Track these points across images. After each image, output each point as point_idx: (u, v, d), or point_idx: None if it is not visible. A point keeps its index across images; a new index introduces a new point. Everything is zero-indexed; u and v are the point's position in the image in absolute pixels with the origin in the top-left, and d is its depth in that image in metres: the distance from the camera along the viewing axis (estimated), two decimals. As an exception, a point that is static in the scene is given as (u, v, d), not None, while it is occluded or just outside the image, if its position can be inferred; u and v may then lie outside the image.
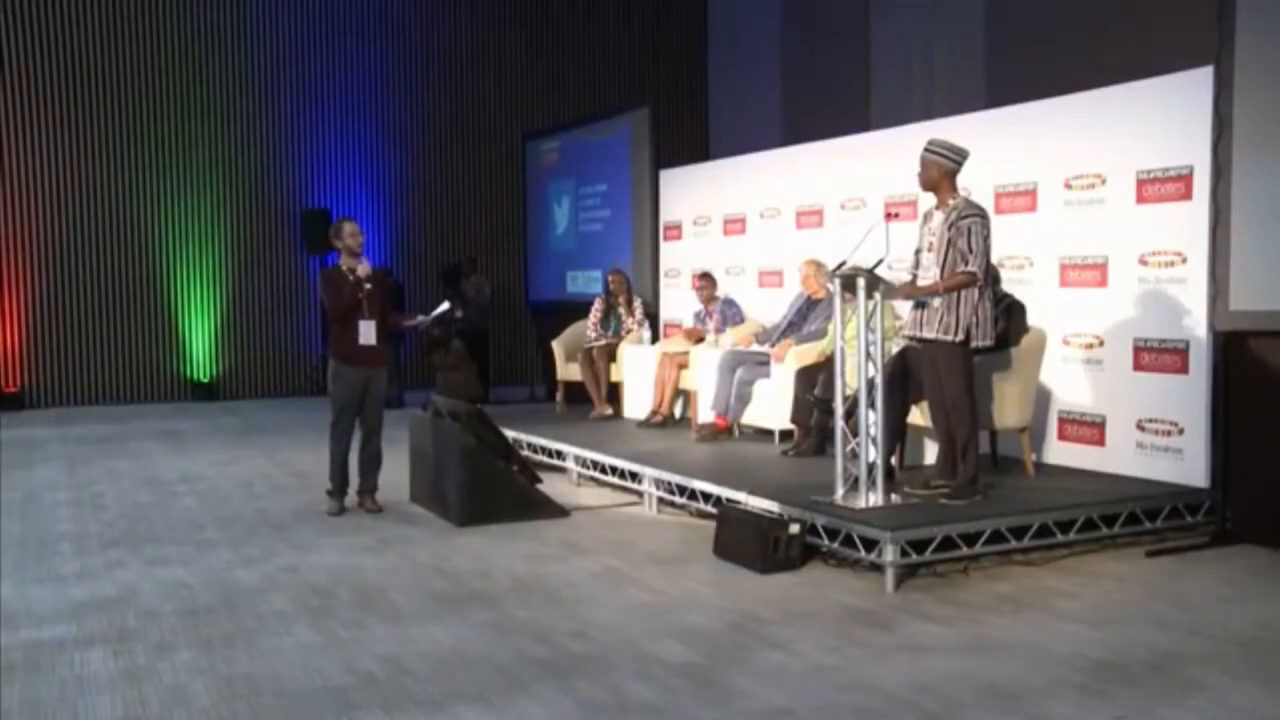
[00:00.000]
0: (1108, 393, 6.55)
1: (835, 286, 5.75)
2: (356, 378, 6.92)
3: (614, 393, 9.54)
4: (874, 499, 5.55)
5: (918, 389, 6.22)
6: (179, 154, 14.03)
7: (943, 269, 5.58)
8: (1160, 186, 6.25)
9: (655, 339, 9.88)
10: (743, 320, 9.03)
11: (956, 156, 5.66)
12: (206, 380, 14.19)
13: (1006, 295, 6.46)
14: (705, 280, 9.18)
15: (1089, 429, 6.65)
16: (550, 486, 7.15)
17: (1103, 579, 5.23)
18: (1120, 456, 6.45)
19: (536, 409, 11.21)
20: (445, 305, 7.74)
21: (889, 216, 6.03)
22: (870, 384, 5.58)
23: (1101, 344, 6.59)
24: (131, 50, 13.81)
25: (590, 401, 9.57)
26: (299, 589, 5.29)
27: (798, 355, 7.62)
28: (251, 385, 14.43)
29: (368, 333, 6.91)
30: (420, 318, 7.72)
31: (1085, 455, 6.64)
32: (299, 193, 14.53)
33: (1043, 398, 6.78)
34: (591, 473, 7.70)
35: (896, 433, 6.35)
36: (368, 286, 6.92)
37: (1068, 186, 6.77)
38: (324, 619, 4.81)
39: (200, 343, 14.21)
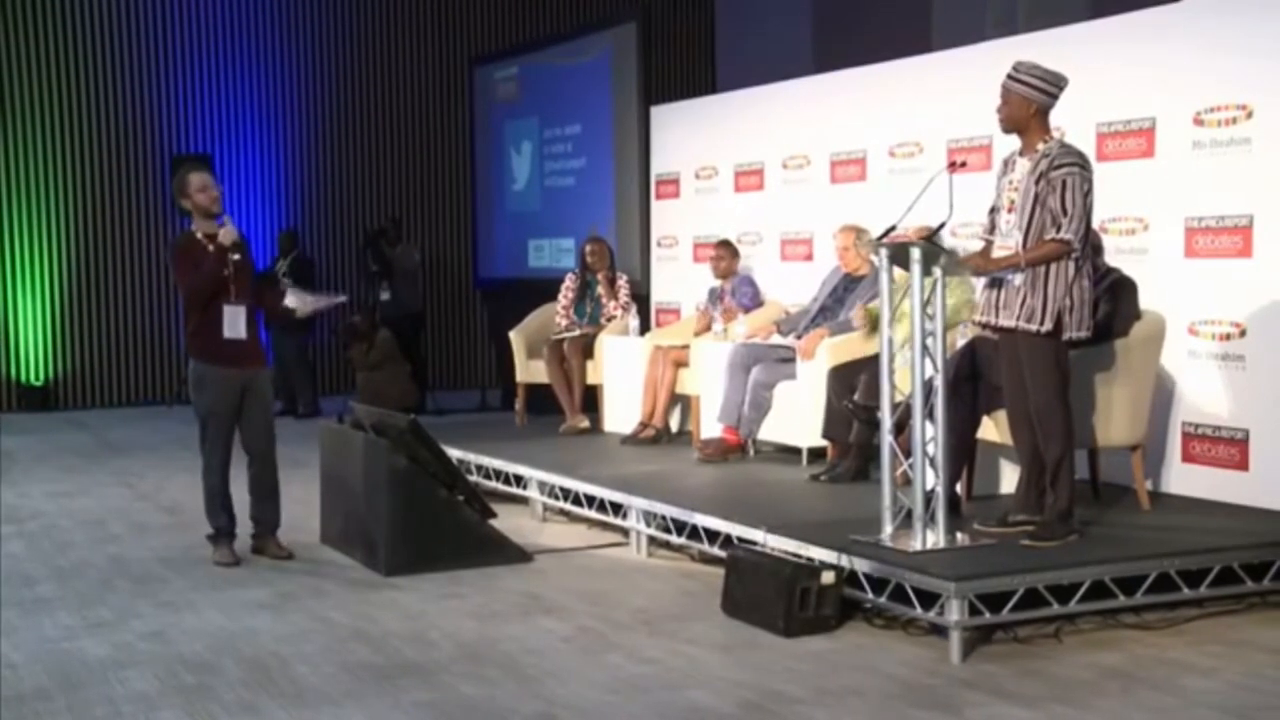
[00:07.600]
0: (1253, 399, 6.55)
1: (882, 259, 5.78)
2: (229, 383, 6.81)
3: (591, 399, 9.57)
4: (933, 539, 5.57)
5: (991, 394, 6.25)
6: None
7: (1026, 235, 5.61)
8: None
9: (645, 329, 9.90)
10: (760, 304, 9.06)
11: (1051, 85, 5.68)
12: (40, 383, 14.13)
13: (1112, 270, 6.49)
14: (724, 249, 9.19)
15: (1226, 448, 6.66)
16: (507, 522, 7.18)
17: (1249, 650, 5.24)
18: (1270, 484, 6.45)
19: (489, 420, 11.22)
20: (341, 298, 7.80)
21: (954, 166, 6.05)
22: (928, 387, 5.60)
23: (1244, 333, 6.60)
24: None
25: (559, 411, 9.60)
26: (168, 663, 5.28)
27: (832, 350, 7.66)
28: (103, 390, 14.39)
29: (234, 322, 6.76)
30: (303, 297, 7.39)
31: (1221, 483, 6.65)
32: (169, 134, 14.46)
33: (1162, 405, 6.80)
34: (562, 504, 7.74)
35: (963, 452, 6.38)
36: (235, 258, 6.79)
37: (1198, 122, 6.78)
38: (202, 702, 4.80)
39: (32, 333, 14.14)
